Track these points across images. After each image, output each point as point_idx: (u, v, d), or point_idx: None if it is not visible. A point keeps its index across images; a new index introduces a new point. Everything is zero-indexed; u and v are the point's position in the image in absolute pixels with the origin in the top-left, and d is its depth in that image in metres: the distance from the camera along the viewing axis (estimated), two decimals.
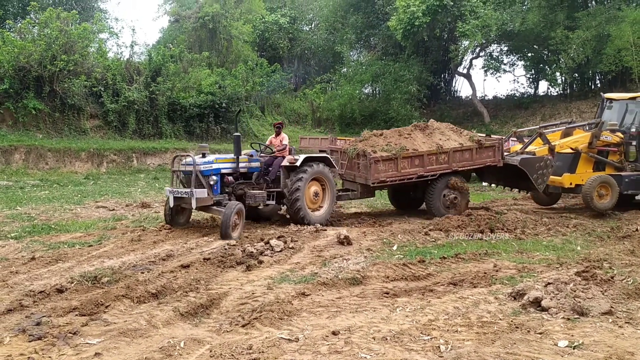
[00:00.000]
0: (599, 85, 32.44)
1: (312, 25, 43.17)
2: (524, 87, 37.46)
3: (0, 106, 22.49)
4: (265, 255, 8.28)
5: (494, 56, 35.97)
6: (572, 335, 4.92)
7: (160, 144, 25.88)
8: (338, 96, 33.40)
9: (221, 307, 6.02)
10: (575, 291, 6.07)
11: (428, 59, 33.94)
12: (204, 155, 10.38)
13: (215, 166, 10.23)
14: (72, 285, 6.51)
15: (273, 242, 8.70)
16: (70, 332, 5.03)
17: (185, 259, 7.94)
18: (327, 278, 6.94)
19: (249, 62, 32.99)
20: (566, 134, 13.57)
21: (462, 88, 42.98)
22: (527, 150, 12.78)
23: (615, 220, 12.12)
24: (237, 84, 29.70)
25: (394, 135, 12.70)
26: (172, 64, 28.27)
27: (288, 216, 11.30)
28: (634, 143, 12.97)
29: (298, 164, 10.90)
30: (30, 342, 4.83)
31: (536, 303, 5.83)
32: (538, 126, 15.29)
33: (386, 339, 4.87)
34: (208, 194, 9.82)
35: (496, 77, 39.26)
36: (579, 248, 9.40)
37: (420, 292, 6.56)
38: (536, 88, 36.68)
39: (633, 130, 12.93)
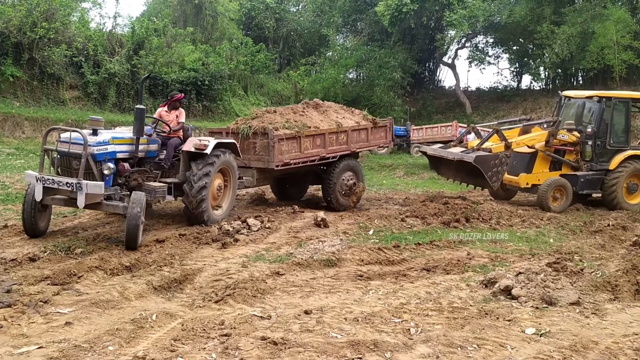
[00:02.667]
0: (581, 82, 32.81)
1: (300, 7, 42.73)
2: (507, 80, 37.78)
3: None
4: (241, 234, 8.27)
5: (480, 47, 36.07)
6: (540, 324, 5.03)
7: None
8: (322, 79, 33.24)
9: (195, 282, 6.02)
10: (545, 281, 6.18)
11: (414, 46, 33.91)
12: (95, 133, 7.57)
13: (111, 148, 7.65)
14: (45, 254, 6.45)
15: (250, 221, 8.69)
16: (41, 301, 4.99)
17: (160, 234, 7.90)
18: (302, 259, 6.98)
19: (233, 40, 32.61)
20: (524, 131, 13.42)
21: (445, 78, 43.18)
22: (483, 146, 12.63)
23: (589, 215, 12.33)
24: (221, 62, 29.37)
25: (288, 112, 11.35)
26: (156, 37, 27.80)
27: (185, 213, 8.90)
28: (590, 143, 12.95)
29: (208, 150, 8.56)
30: (0, 308, 4.77)
31: (506, 291, 5.93)
32: (496, 122, 15.21)
33: (357, 320, 4.92)
34: (100, 187, 7.22)
35: (480, 69, 39.42)
36: (551, 240, 9.55)
37: (394, 276, 6.63)
38: (519, 81, 37.00)
39: (589, 130, 12.90)
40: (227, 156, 9.13)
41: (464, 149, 12.89)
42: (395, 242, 8.31)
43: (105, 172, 7.40)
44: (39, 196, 7.16)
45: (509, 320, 5.09)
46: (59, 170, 7.61)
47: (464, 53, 39.55)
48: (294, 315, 4.99)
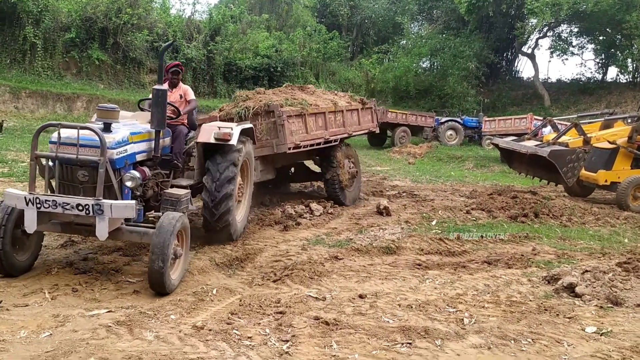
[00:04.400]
0: None
1: None
2: (591, 72, 35.93)
3: (66, 54, 23.35)
4: (304, 217, 8.43)
5: (563, 37, 34.45)
6: (602, 323, 4.85)
7: (214, 103, 26.30)
8: (394, 68, 32.93)
9: (255, 262, 6.22)
10: (613, 281, 5.94)
11: (491, 35, 32.89)
12: (108, 128, 5.32)
13: (130, 149, 5.56)
14: None
15: (313, 205, 8.84)
16: (113, 270, 5.32)
17: None
18: (361, 245, 7.04)
19: (307, 27, 32.88)
20: (605, 125, 12.79)
21: (524, 69, 41.64)
22: (559, 140, 12.12)
23: None
24: (294, 49, 29.72)
25: (277, 93, 9.84)
26: (232, 24, 28.53)
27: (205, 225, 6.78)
28: None
29: (234, 141, 6.67)
30: (75, 274, 5.14)
31: (570, 289, 5.74)
32: (575, 115, 14.51)
33: (411, 307, 4.94)
34: (131, 208, 4.98)
35: (562, 60, 37.61)
36: (626, 240, 9.09)
37: (453, 267, 6.56)
38: (604, 74, 35.13)
39: None
40: (248, 146, 7.30)
41: (538, 142, 12.50)
42: (458, 233, 8.19)
43: (128, 184, 5.33)
44: (32, 226, 4.88)
45: (569, 318, 4.94)
46: (53, 184, 5.26)
47: (545, 43, 38.15)
48: (348, 299, 5.07)
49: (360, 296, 5.14)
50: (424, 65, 36.73)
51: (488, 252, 7.40)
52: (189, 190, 6.22)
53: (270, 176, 9.10)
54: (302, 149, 8.86)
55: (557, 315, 5.01)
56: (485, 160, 19.92)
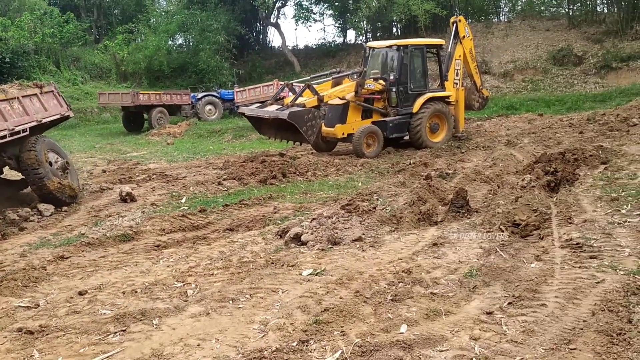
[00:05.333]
0: (397, 32, 34.77)
1: None
2: (332, 36, 38.90)
3: None
4: (30, 221, 7.58)
5: (304, 5, 36.57)
6: (320, 264, 5.24)
7: None
8: (143, 48, 31.50)
9: None
10: (335, 223, 6.47)
11: (236, 8, 33.35)
12: None
13: None
14: None
15: (41, 206, 7.99)
16: None
17: None
18: (93, 238, 6.57)
19: (36, 10, 29.47)
20: (336, 83, 14.02)
21: (273, 38, 43.21)
22: (297, 102, 12.96)
23: (398, 157, 13.18)
24: (24, 36, 26.47)
25: None
26: None
27: None
28: (394, 89, 13.84)
29: None
30: None
31: (297, 238, 6.10)
32: (309, 77, 15.66)
33: (135, 292, 4.74)
34: None
35: (307, 27, 40.15)
36: (360, 184, 10.03)
37: (192, 241, 6.50)
38: (345, 36, 38.27)
39: (392, 77, 13.75)
40: None
41: (279, 106, 13.03)
42: (201, 206, 8.16)
43: None
44: None
45: (292, 266, 5.23)
46: None
47: (289, 12, 39.91)
48: (66, 299, 4.67)
49: (80, 293, 4.76)
50: (179, 42, 35.89)
51: (232, 220, 7.50)
52: None
53: None
54: None
55: (282, 265, 5.28)
56: (244, 130, 20.29)
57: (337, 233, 6.16)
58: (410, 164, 11.49)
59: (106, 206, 8.58)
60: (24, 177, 8.63)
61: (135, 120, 23.34)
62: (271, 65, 35.09)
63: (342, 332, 3.74)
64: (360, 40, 36.46)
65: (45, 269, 5.54)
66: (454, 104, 14.57)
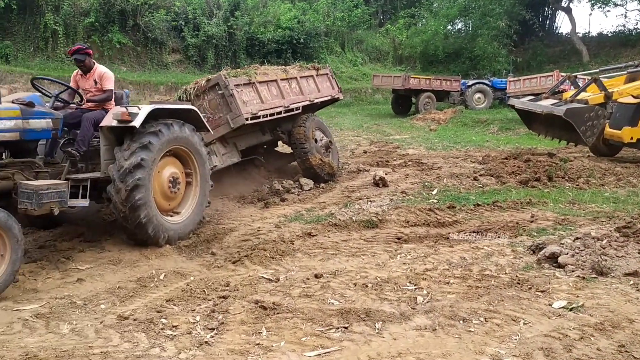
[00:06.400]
0: None
1: None
2: (633, 23, 33.78)
3: (87, 39, 23.59)
4: (291, 193, 8.16)
5: None
6: (577, 296, 4.39)
7: None
8: (421, 32, 31.81)
9: (223, 242, 6.01)
10: (604, 248, 5.43)
11: None
12: None
13: None
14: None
15: (303, 180, 8.54)
16: (64, 258, 5.21)
17: None
18: (340, 219, 6.71)
19: None
20: (631, 79, 11.83)
21: (561, 24, 39.49)
22: (579, 97, 11.27)
23: None
24: (318, 19, 29.09)
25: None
26: None
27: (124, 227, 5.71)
28: None
29: (137, 122, 5.52)
30: (25, 263, 5.05)
31: (553, 258, 5.28)
32: (598, 69, 13.45)
33: (366, 286, 4.61)
34: None
35: (604, 12, 35.36)
36: None
37: (434, 239, 6.16)
38: None
39: None
40: (185, 131, 6.15)
41: (556, 100, 11.73)
42: (451, 202, 7.74)
43: None
44: None
45: (541, 292, 4.50)
46: None
47: None
48: (302, 279, 4.79)
49: (316, 276, 4.85)
50: (458, 28, 35.39)
51: (481, 222, 6.94)
52: (60, 183, 5.14)
53: (235, 159, 8.35)
54: (262, 120, 8.22)
55: (529, 289, 4.59)
56: (512, 122, 18.99)
57: (605, 261, 5.12)
58: None
59: (359, 188, 8.78)
60: (292, 150, 9.41)
61: (403, 103, 23.83)
62: (554, 53, 32.15)
63: None
64: None
65: (293, 244, 5.83)
66: None
